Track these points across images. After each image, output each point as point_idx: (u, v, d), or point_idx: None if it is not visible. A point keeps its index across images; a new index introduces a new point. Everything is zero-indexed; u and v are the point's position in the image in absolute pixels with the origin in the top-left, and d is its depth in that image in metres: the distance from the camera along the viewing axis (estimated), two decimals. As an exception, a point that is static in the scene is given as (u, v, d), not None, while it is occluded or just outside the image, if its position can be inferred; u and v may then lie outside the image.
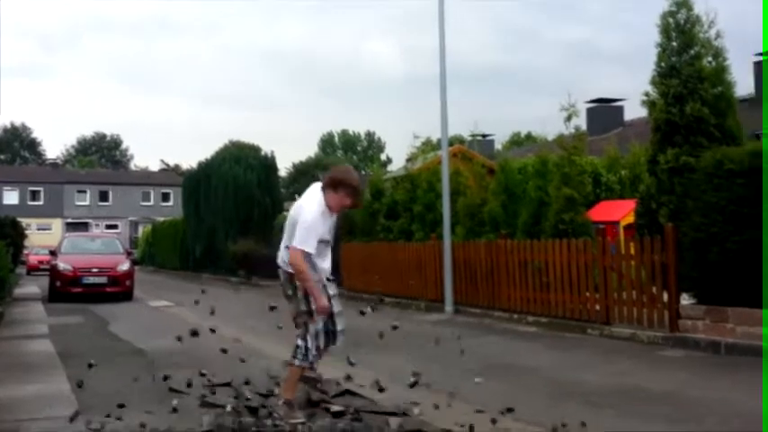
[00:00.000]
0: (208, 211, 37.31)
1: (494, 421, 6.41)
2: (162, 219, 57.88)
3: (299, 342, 6.69)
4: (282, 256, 6.89)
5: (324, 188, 6.78)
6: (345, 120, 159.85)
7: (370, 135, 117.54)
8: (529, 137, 73.16)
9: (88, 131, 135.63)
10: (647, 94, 13.68)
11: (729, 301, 10.40)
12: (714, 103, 12.86)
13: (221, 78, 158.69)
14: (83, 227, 75.62)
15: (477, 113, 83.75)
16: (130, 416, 6.68)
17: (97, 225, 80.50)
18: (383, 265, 19.76)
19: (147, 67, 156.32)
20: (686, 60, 13.17)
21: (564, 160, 15.13)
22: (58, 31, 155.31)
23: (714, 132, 12.74)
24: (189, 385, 8.09)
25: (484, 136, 44.06)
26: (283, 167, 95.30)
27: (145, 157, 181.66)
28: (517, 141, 74.59)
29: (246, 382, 8.09)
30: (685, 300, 11.49)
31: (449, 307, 16.51)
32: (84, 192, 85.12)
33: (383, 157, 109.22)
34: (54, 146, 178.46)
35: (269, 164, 38.53)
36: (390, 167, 34.68)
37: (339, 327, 6.85)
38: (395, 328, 8.48)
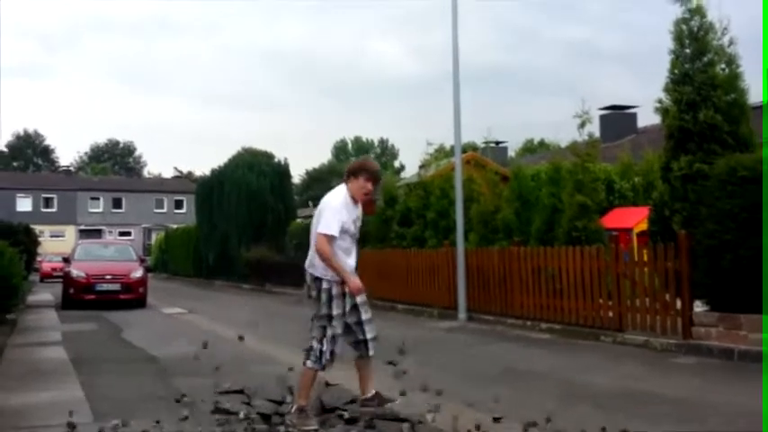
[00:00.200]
0: (221, 218, 37.38)
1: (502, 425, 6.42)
2: (175, 226, 57.98)
3: (314, 344, 6.70)
4: (309, 258, 6.87)
5: (346, 180, 6.90)
6: (346, 122, 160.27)
7: (383, 142, 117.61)
8: (542, 143, 73.07)
9: (91, 135, 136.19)
10: (660, 101, 13.63)
11: (743, 308, 10.37)
12: (727, 111, 12.80)
13: (221, 78, 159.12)
14: (96, 234, 75.66)
15: (478, 113, 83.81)
16: (143, 423, 6.69)
17: (110, 232, 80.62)
18: (396, 271, 19.75)
19: (147, 68, 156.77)
20: (699, 67, 13.12)
21: (577, 167, 15.11)
22: (58, 31, 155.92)
23: (727, 139, 12.69)
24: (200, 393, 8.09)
25: (497, 143, 43.98)
26: (296, 174, 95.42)
27: (158, 165, 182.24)
28: (530, 148, 74.54)
29: (259, 389, 8.09)
30: (698, 307, 11.47)
31: (462, 314, 16.49)
32: (98, 199, 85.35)
33: (396, 164, 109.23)
34: (67, 153, 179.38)
35: (282, 170, 38.60)
36: (403, 174, 34.70)
37: (369, 335, 6.86)
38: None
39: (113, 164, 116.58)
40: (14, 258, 16.64)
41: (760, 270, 9.97)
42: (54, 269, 40.57)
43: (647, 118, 37.77)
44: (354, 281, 6.63)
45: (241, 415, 6.95)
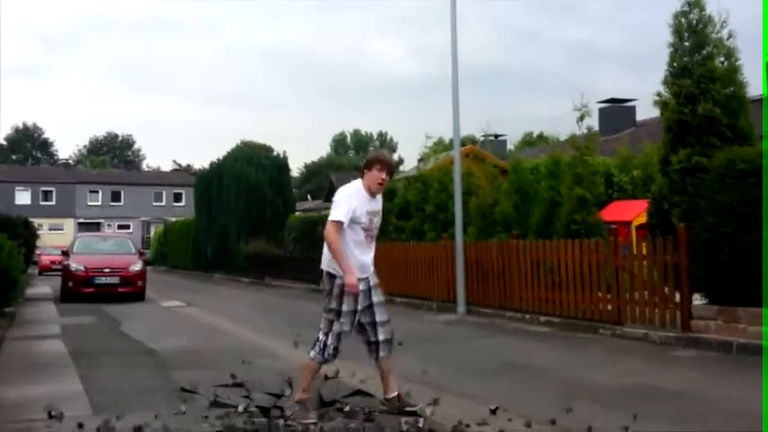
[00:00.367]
0: (220, 212, 37.34)
1: (501, 419, 6.42)
2: (174, 219, 57.92)
3: (320, 336, 6.70)
4: (324, 254, 6.90)
5: (361, 175, 6.92)
6: (346, 120, 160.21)
7: (382, 135, 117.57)
8: (541, 137, 73.04)
9: (91, 130, 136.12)
10: (659, 95, 13.63)
11: (741, 301, 10.38)
12: (726, 104, 12.81)
13: (221, 78, 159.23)
14: (95, 227, 75.78)
15: (478, 112, 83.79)
16: (141, 416, 6.69)
17: (109, 225, 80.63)
18: (395, 264, 19.73)
19: (147, 67, 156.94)
20: (698, 60, 13.13)
21: (576, 160, 15.11)
22: (58, 31, 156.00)
23: (726, 133, 12.69)
24: (198, 386, 8.09)
25: (496, 136, 43.99)
26: (295, 168, 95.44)
27: (157, 158, 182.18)
28: (529, 141, 74.44)
29: (258, 383, 8.09)
30: (697, 300, 11.47)
31: (461, 307, 16.49)
32: (97, 192, 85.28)
33: (395, 157, 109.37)
34: (66, 146, 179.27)
35: (281, 164, 38.58)
36: (402, 168, 34.74)
37: (381, 337, 6.83)
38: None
39: (112, 157, 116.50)
40: (13, 251, 16.64)
41: (759, 263, 9.97)
42: (53, 262, 40.51)
43: (646, 111, 37.85)
44: (349, 277, 6.59)
45: (240, 408, 6.96)
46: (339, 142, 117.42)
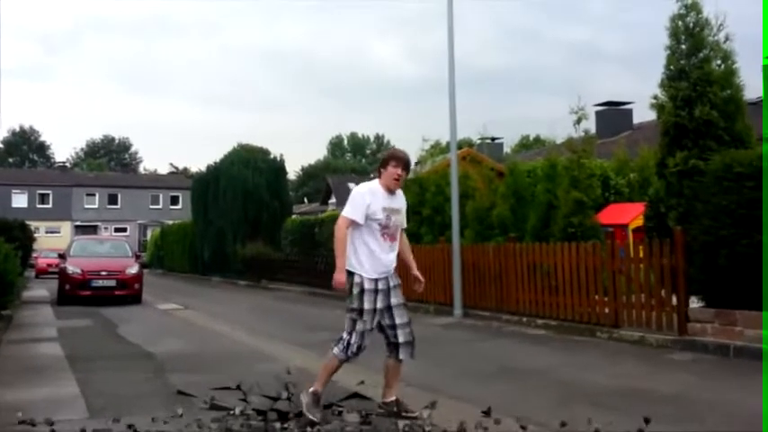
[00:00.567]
0: (216, 215, 37.36)
1: (498, 422, 6.42)
2: (171, 222, 57.89)
3: (344, 335, 6.69)
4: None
5: (378, 174, 6.96)
6: (346, 120, 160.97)
7: (379, 138, 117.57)
8: (538, 140, 73.08)
9: (88, 132, 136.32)
10: (655, 97, 13.64)
11: (738, 304, 10.37)
12: (723, 107, 12.81)
13: (221, 79, 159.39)
14: (91, 230, 75.73)
15: (477, 114, 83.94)
16: (138, 419, 6.68)
17: (106, 228, 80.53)
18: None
19: (147, 68, 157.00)
20: (695, 63, 13.13)
21: (573, 163, 15.13)
22: (58, 31, 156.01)
23: (723, 135, 12.70)
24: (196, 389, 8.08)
25: (493, 139, 43.98)
26: (292, 170, 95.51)
27: (154, 161, 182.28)
28: (526, 144, 74.54)
29: (255, 386, 8.08)
30: (694, 303, 11.48)
31: (457, 310, 16.49)
32: (93, 195, 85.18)
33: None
34: (63, 149, 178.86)
35: (278, 167, 38.62)
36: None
37: (402, 339, 6.80)
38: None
39: (109, 160, 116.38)
40: (10, 255, 16.61)
41: (756, 266, 9.97)
42: (49, 265, 40.45)
43: (643, 114, 37.88)
44: (337, 275, 6.67)
45: (237, 411, 6.95)
46: (336, 145, 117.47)
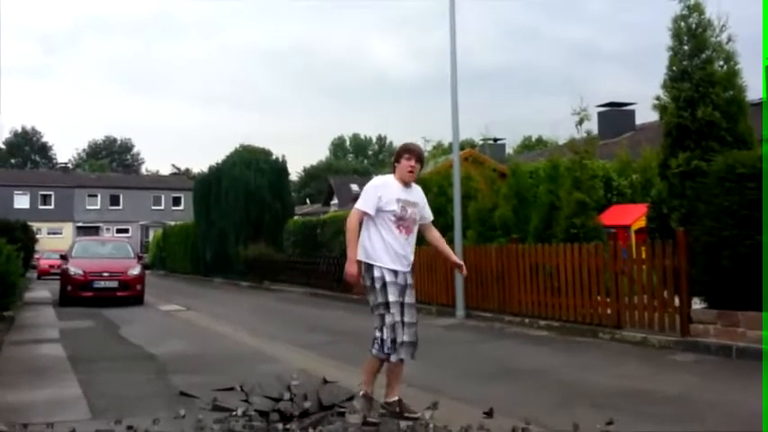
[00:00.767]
0: (218, 216, 37.35)
1: (499, 423, 6.41)
2: (173, 223, 57.91)
3: (377, 333, 6.68)
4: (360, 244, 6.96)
5: (393, 170, 7.00)
6: (347, 121, 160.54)
7: (381, 139, 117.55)
8: (540, 140, 73.09)
9: (89, 133, 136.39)
10: (658, 98, 13.63)
11: (741, 305, 10.36)
12: (725, 108, 12.80)
13: (221, 79, 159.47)
14: (93, 231, 75.76)
15: (477, 113, 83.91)
16: (141, 420, 6.67)
17: (108, 229, 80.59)
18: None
19: (148, 68, 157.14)
20: (698, 64, 13.12)
21: (575, 164, 15.11)
22: (58, 31, 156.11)
23: (726, 136, 12.69)
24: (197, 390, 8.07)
25: (495, 140, 43.98)
26: (294, 171, 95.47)
27: (156, 162, 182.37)
28: (528, 145, 74.54)
29: (257, 387, 8.07)
30: (697, 304, 11.47)
31: (460, 311, 16.48)
32: (95, 196, 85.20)
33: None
34: (65, 150, 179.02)
35: (280, 168, 38.59)
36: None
37: (406, 338, 6.72)
38: None
39: (111, 161, 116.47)
40: (12, 256, 16.63)
41: (758, 267, 9.96)
42: (51, 266, 40.48)
43: (646, 115, 37.86)
44: (348, 267, 6.71)
45: (239, 412, 6.94)
46: (338, 146, 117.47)
